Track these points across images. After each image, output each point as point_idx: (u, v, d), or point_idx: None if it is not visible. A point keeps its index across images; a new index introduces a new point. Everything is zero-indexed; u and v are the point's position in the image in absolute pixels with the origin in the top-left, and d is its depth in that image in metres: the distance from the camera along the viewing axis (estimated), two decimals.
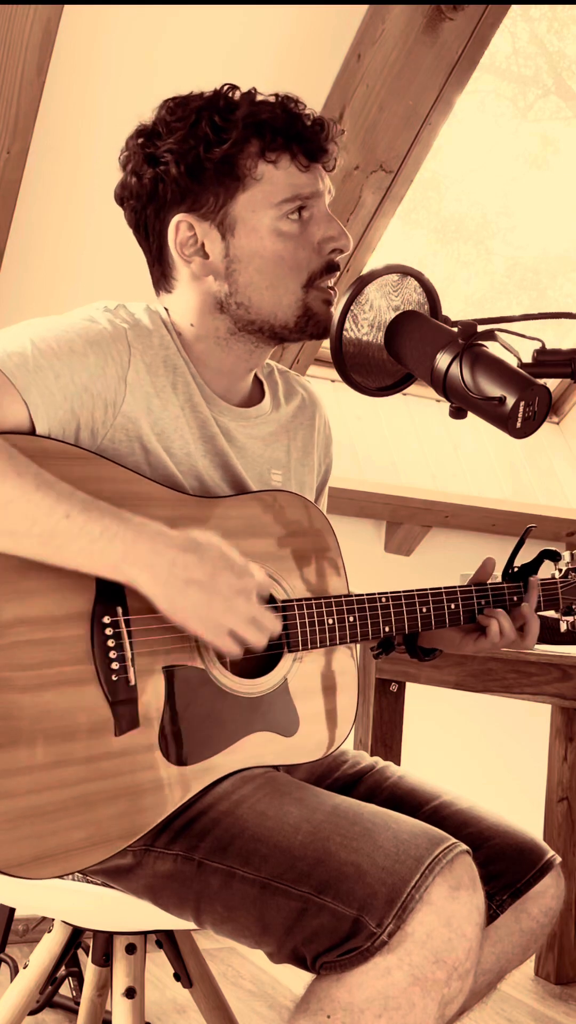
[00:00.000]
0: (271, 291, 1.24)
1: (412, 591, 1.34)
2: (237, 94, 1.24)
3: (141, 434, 1.19)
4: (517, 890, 1.27)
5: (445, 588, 1.36)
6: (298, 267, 1.24)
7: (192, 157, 1.21)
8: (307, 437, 1.43)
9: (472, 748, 3.09)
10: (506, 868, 1.27)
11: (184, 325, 1.28)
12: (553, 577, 1.48)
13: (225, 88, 1.24)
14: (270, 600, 1.23)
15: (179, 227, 1.24)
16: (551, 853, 1.31)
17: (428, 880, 1.01)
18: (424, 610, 1.34)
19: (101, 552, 1.05)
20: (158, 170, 1.23)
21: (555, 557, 1.46)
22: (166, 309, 1.29)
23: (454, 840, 1.07)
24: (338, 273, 1.28)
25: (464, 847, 1.07)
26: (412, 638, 1.45)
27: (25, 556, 1.04)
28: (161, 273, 1.30)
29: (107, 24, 2.09)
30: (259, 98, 1.24)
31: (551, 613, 1.49)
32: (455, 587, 1.37)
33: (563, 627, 1.49)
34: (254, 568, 1.14)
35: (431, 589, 1.35)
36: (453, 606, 1.36)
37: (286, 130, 1.22)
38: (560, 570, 1.49)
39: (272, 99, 1.24)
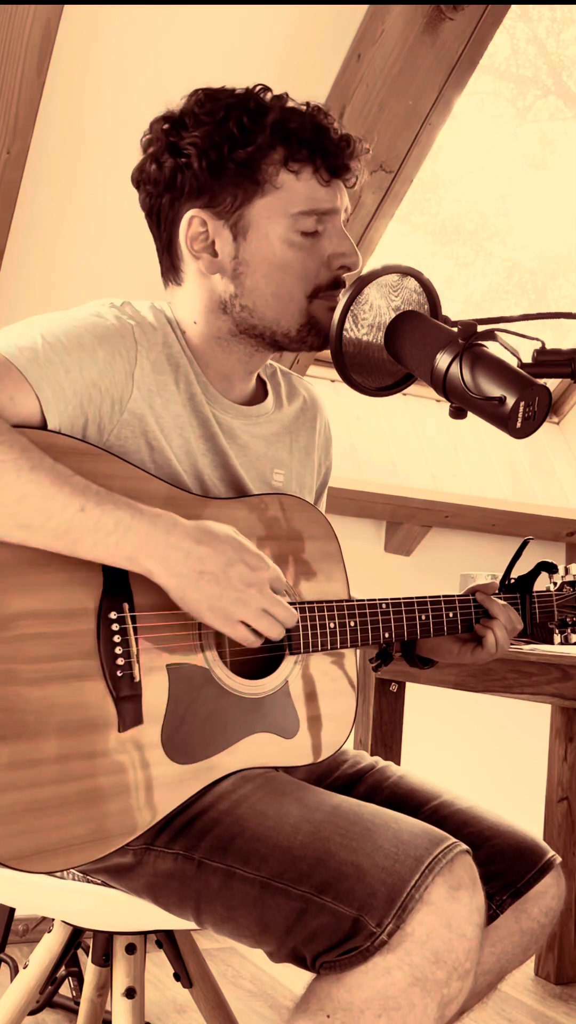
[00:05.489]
0: (275, 298, 1.24)
1: (412, 598, 1.34)
2: (269, 96, 1.23)
3: (146, 431, 1.19)
4: (517, 890, 1.27)
5: (444, 597, 1.37)
6: (305, 278, 1.24)
7: (215, 154, 1.20)
8: (308, 438, 1.43)
9: (472, 748, 3.09)
10: (506, 868, 1.27)
11: (188, 322, 1.28)
12: (548, 590, 1.49)
13: (257, 88, 1.23)
14: None
15: (192, 222, 1.23)
16: (551, 853, 1.31)
17: (428, 880, 1.01)
18: (423, 617, 1.34)
19: (116, 545, 1.06)
20: (179, 161, 1.22)
21: (552, 569, 1.47)
22: (170, 306, 1.30)
23: (454, 840, 1.07)
24: (343, 288, 1.26)
25: (464, 847, 1.07)
26: (410, 645, 1.46)
27: (40, 548, 1.05)
28: (170, 263, 1.29)
29: (107, 24, 2.09)
30: (289, 104, 1.23)
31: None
32: (453, 596, 1.38)
33: (557, 640, 1.49)
34: (268, 560, 1.15)
35: (430, 597, 1.36)
36: (452, 614, 1.36)
37: (312, 142, 1.21)
38: (555, 583, 1.50)
39: (303, 107, 1.23)
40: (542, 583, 1.50)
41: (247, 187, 1.21)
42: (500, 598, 1.42)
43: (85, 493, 1.05)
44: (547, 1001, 2.40)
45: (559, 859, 1.32)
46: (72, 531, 1.04)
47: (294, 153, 1.21)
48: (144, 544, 1.07)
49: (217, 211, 1.22)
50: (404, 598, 1.34)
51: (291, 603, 1.24)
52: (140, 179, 1.27)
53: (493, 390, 1.11)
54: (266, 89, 1.24)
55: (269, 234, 1.22)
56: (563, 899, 1.32)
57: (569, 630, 1.49)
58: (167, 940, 1.48)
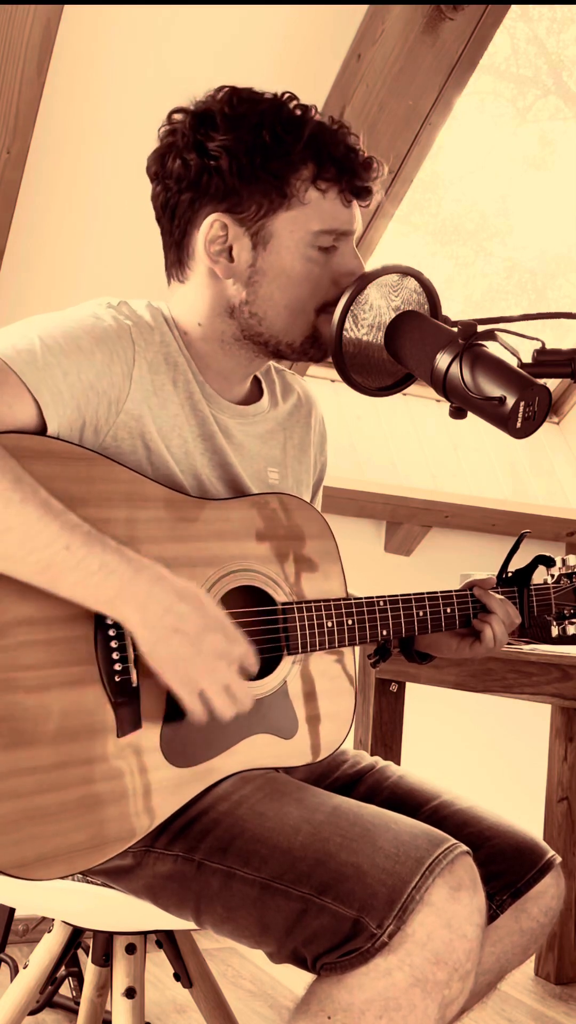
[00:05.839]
0: (287, 310, 1.24)
1: (409, 595, 1.34)
2: (294, 104, 1.23)
3: (144, 431, 1.19)
4: (517, 890, 1.28)
5: (442, 592, 1.37)
6: (316, 293, 1.24)
7: (247, 160, 1.19)
8: (303, 435, 1.43)
9: (472, 748, 3.09)
10: (506, 868, 1.27)
11: (191, 324, 1.27)
12: (546, 582, 1.49)
13: (285, 96, 1.23)
14: (269, 602, 1.24)
15: (213, 225, 1.22)
16: (551, 853, 1.31)
17: (428, 881, 1.01)
18: (421, 614, 1.34)
19: (96, 587, 1.04)
20: (207, 161, 1.20)
21: (549, 562, 1.47)
22: (169, 304, 1.29)
23: (455, 841, 1.07)
24: None
25: (465, 848, 1.07)
26: (408, 641, 1.46)
27: (22, 580, 1.03)
28: (177, 259, 1.28)
29: (107, 24, 2.09)
30: (318, 119, 1.23)
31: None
32: (451, 592, 1.38)
33: (554, 632, 1.49)
34: (244, 639, 1.12)
35: (427, 593, 1.35)
36: (449, 610, 1.36)
37: (342, 162, 1.21)
38: (553, 576, 1.50)
39: (331, 124, 1.23)
40: (539, 578, 1.50)
41: (274, 198, 1.21)
42: (498, 592, 1.42)
43: (73, 531, 1.03)
44: (547, 1001, 2.40)
45: (559, 859, 1.32)
46: (53, 567, 1.02)
47: (324, 171, 1.21)
48: (125, 590, 1.05)
49: (240, 217, 1.22)
50: (402, 595, 1.33)
51: (287, 603, 1.24)
52: (161, 173, 1.25)
53: (493, 390, 1.11)
54: (293, 97, 1.23)
55: (290, 247, 1.22)
56: (563, 899, 1.33)
57: (567, 622, 1.49)
58: (167, 940, 1.48)
